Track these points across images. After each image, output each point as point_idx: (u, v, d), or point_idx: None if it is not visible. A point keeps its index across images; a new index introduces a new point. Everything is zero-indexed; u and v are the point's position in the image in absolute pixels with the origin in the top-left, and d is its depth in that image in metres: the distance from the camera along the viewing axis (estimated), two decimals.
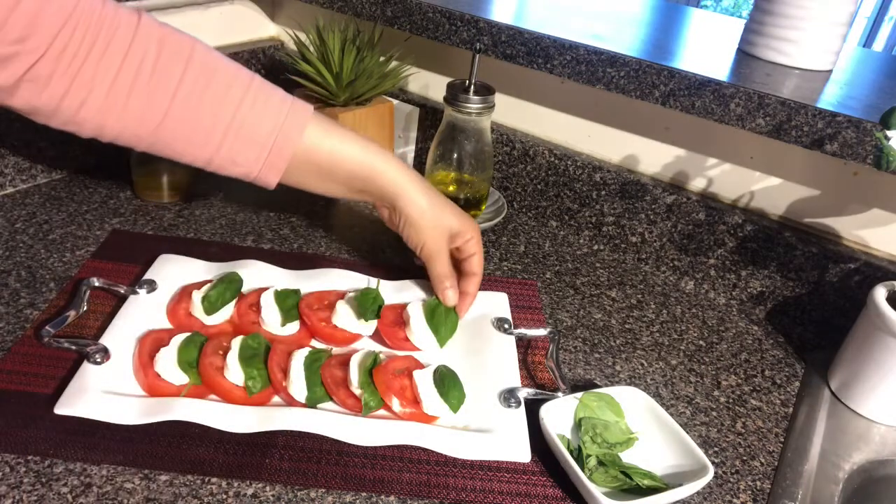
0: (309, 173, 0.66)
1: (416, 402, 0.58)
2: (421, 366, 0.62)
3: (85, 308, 0.64)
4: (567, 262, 0.86)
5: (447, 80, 0.93)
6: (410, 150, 1.02)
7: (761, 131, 0.72)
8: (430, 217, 0.66)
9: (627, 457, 0.58)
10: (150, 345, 0.60)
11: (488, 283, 0.78)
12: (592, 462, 0.56)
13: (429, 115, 0.99)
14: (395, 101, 0.98)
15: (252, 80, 0.62)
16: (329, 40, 0.88)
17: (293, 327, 0.66)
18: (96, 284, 0.67)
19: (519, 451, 0.56)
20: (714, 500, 0.57)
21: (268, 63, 1.11)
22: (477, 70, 0.80)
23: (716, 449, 0.62)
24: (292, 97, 0.64)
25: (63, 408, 0.53)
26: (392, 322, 0.67)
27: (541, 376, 0.66)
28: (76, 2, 0.54)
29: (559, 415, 0.58)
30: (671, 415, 0.59)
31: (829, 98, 0.73)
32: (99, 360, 0.58)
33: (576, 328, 0.74)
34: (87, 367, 0.57)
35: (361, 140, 0.66)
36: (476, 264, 0.69)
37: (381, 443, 0.55)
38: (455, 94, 0.81)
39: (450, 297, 0.69)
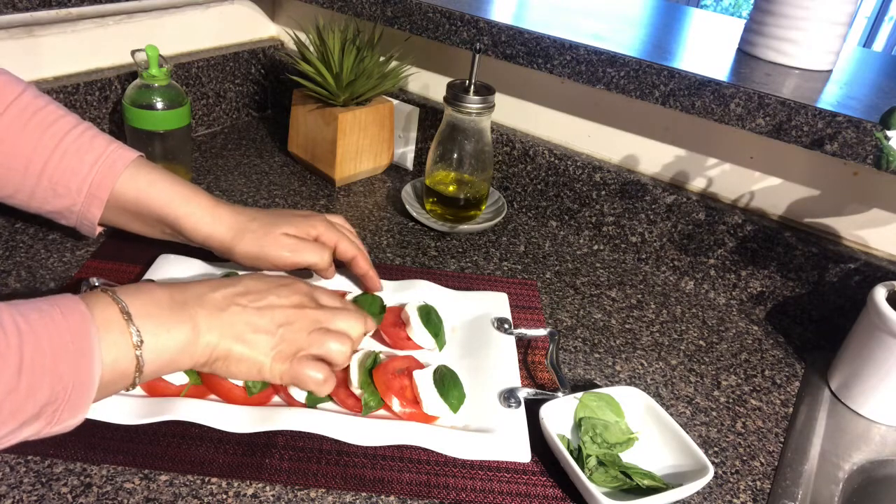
0: (121, 214, 0.66)
1: (416, 402, 0.58)
2: (421, 366, 0.62)
3: None
4: (567, 262, 0.86)
5: (447, 80, 0.93)
6: (410, 150, 1.02)
7: (761, 131, 0.72)
8: (252, 247, 0.65)
9: (627, 457, 0.58)
10: None
11: (488, 283, 0.78)
12: (592, 462, 0.56)
13: (429, 115, 0.99)
14: (395, 101, 0.98)
15: (80, 123, 0.65)
16: (329, 40, 0.88)
17: None
18: (96, 284, 0.67)
19: (519, 451, 0.56)
20: (714, 500, 0.57)
21: (268, 63, 1.11)
22: (477, 70, 0.80)
23: (716, 449, 0.62)
24: (121, 143, 0.66)
25: None
26: (392, 322, 0.67)
27: (541, 376, 0.66)
28: None
29: (559, 415, 0.58)
30: (671, 415, 0.59)
31: (829, 98, 0.73)
32: None
33: (576, 328, 0.74)
34: None
35: (174, 185, 0.65)
36: (344, 252, 0.69)
37: (381, 443, 0.55)
38: (455, 94, 0.81)
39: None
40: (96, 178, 0.64)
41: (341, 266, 0.75)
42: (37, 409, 0.43)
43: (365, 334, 0.58)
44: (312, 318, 0.55)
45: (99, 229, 0.68)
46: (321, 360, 0.54)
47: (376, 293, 0.70)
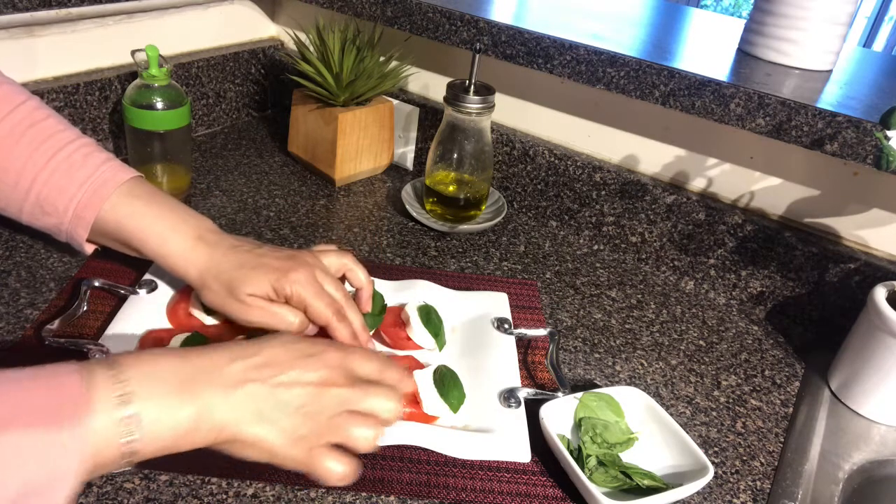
0: (105, 238, 0.63)
1: (416, 402, 0.58)
2: (421, 366, 0.62)
3: (85, 308, 0.64)
4: (567, 262, 0.86)
5: (447, 80, 0.93)
6: (410, 150, 1.02)
7: (761, 131, 0.72)
8: (216, 301, 0.59)
9: (627, 457, 0.58)
10: (150, 345, 0.60)
11: (488, 283, 0.78)
12: (592, 462, 0.56)
13: (429, 115, 0.99)
14: (395, 101, 0.98)
15: (79, 138, 0.63)
16: (329, 40, 0.88)
17: None
18: (96, 284, 0.67)
19: (519, 451, 0.56)
20: (714, 500, 0.57)
21: (268, 63, 1.11)
22: (477, 70, 0.80)
23: (716, 449, 0.62)
24: (119, 161, 0.63)
25: None
26: (392, 322, 0.67)
27: (541, 376, 0.66)
28: None
29: (559, 415, 0.58)
30: (671, 415, 0.59)
31: (829, 98, 0.73)
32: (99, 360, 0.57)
33: (576, 328, 0.74)
34: None
35: (156, 220, 0.61)
36: (316, 317, 0.59)
37: (381, 443, 0.55)
38: (455, 94, 0.81)
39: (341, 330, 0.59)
40: (83, 199, 0.61)
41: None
42: None
43: (400, 410, 0.51)
44: (339, 398, 0.48)
45: (91, 247, 0.65)
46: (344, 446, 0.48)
47: (377, 293, 0.70)
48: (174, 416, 0.43)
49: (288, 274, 0.58)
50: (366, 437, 0.48)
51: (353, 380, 0.49)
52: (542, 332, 0.69)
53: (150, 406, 0.42)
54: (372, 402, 0.49)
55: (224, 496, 0.50)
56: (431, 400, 0.58)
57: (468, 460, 0.55)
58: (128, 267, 0.71)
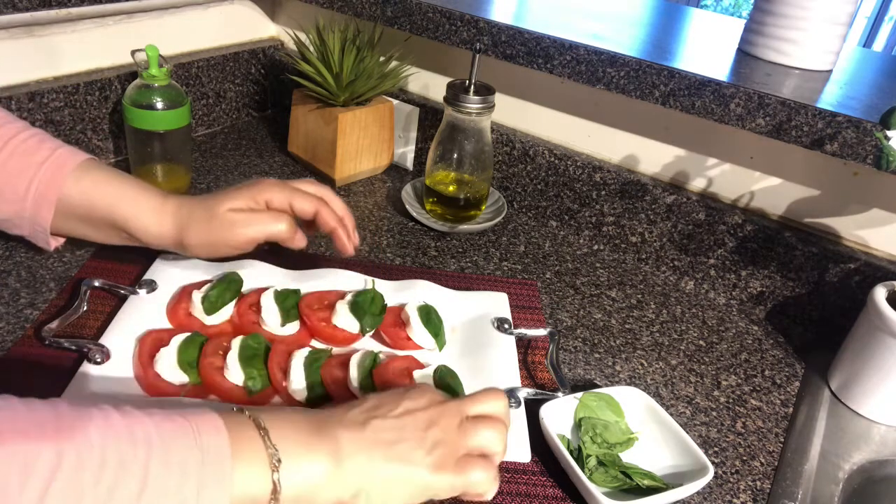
0: (71, 219, 0.63)
1: None
2: (421, 366, 0.62)
3: (85, 308, 0.64)
4: (567, 262, 0.86)
5: (447, 80, 0.93)
6: (410, 150, 1.02)
7: (761, 131, 0.72)
8: (201, 234, 0.61)
9: (627, 457, 0.58)
10: (150, 345, 0.60)
11: (488, 283, 0.78)
12: (592, 462, 0.56)
13: (429, 115, 0.99)
14: (395, 101, 0.98)
15: (28, 128, 0.63)
16: (329, 40, 0.88)
17: (293, 327, 0.66)
18: (96, 284, 0.67)
19: (519, 451, 0.56)
20: (714, 500, 0.57)
21: (268, 63, 1.11)
22: (477, 70, 0.80)
23: (716, 449, 0.62)
24: (70, 147, 0.63)
25: None
26: (392, 322, 0.67)
27: (541, 376, 0.66)
28: None
29: (559, 415, 0.58)
30: (671, 415, 0.59)
31: (829, 98, 0.73)
32: (99, 360, 0.58)
33: (576, 328, 0.74)
34: (87, 367, 0.57)
35: (121, 186, 0.62)
36: (302, 210, 0.62)
37: None
38: (455, 94, 0.81)
39: (297, 241, 0.63)
40: (44, 177, 0.61)
41: (345, 267, 0.75)
42: None
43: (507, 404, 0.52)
44: (454, 409, 0.49)
45: (55, 243, 0.65)
46: (480, 454, 0.48)
47: (377, 292, 0.70)
48: (313, 455, 0.43)
49: (261, 184, 0.62)
50: (496, 437, 0.48)
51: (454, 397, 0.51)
52: (542, 332, 0.69)
53: (288, 444, 0.42)
54: (483, 405, 0.50)
55: None
56: None
57: None
58: (128, 267, 0.71)
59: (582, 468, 0.54)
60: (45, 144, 0.62)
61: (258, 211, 0.61)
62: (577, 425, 0.59)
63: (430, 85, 1.02)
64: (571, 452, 0.55)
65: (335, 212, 0.65)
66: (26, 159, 0.61)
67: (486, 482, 0.46)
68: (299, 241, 0.63)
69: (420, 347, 0.65)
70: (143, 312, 0.64)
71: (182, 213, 0.61)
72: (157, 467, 0.37)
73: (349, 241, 0.66)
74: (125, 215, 0.61)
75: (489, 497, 0.47)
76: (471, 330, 0.69)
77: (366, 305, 0.66)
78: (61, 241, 0.67)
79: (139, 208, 0.61)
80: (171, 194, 0.64)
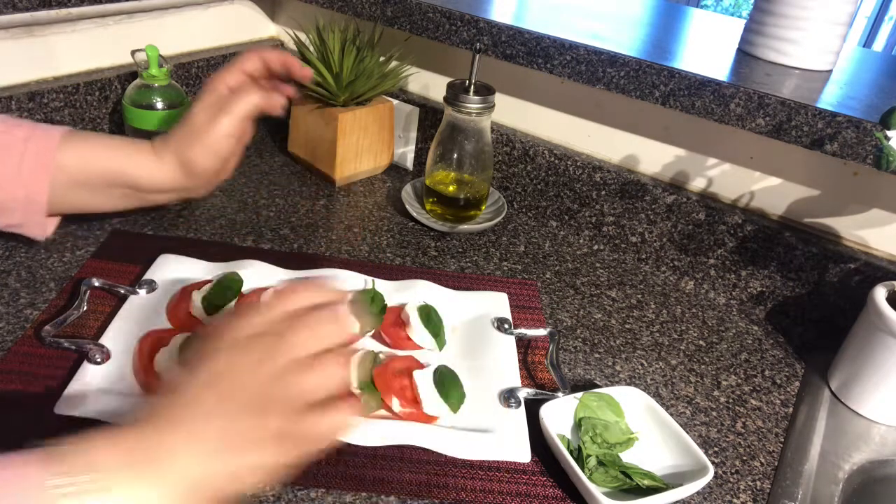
0: (69, 188, 0.64)
1: (416, 402, 0.58)
2: (421, 366, 0.62)
3: (85, 308, 0.64)
4: (567, 262, 0.86)
5: (447, 80, 0.93)
6: (410, 150, 1.02)
7: (761, 131, 0.72)
8: (199, 151, 0.65)
9: (627, 457, 0.58)
10: (150, 345, 0.60)
11: (488, 283, 0.78)
12: (592, 462, 0.56)
13: (429, 115, 0.99)
14: (395, 101, 0.98)
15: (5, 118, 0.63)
16: (329, 40, 0.88)
17: None
18: (96, 284, 0.67)
19: (519, 451, 0.56)
20: (714, 500, 0.57)
21: None
22: (477, 70, 0.80)
23: (716, 449, 0.62)
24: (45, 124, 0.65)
25: (63, 408, 0.53)
26: (392, 322, 0.67)
27: (541, 376, 0.66)
28: None
29: (559, 415, 0.58)
30: (671, 415, 0.59)
31: (829, 98, 0.73)
32: (99, 360, 0.58)
33: (576, 328, 0.74)
34: (87, 367, 0.57)
35: (113, 143, 0.65)
36: (257, 68, 0.68)
37: (381, 443, 0.55)
38: (455, 94, 0.81)
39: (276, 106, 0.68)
40: (33, 149, 0.61)
41: (345, 267, 0.75)
42: None
43: (354, 333, 0.47)
44: (277, 370, 0.42)
45: (50, 226, 0.64)
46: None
47: (377, 292, 0.70)
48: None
49: (211, 79, 0.66)
50: (329, 375, 0.43)
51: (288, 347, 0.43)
52: (542, 332, 0.69)
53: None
54: (308, 342, 0.43)
55: None
56: (431, 400, 0.58)
57: (468, 460, 0.55)
58: (128, 267, 0.71)
59: (582, 468, 0.54)
60: (21, 123, 0.63)
61: (225, 95, 0.66)
62: (577, 425, 0.59)
63: (430, 85, 1.02)
64: (571, 452, 0.55)
65: (274, 54, 0.68)
66: (6, 137, 0.61)
67: (338, 430, 0.42)
68: (277, 102, 0.68)
69: (420, 347, 0.65)
70: (143, 312, 0.64)
71: (173, 145, 0.65)
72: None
73: (301, 69, 0.70)
74: (125, 168, 0.63)
75: (352, 429, 0.43)
76: (471, 330, 0.69)
77: (366, 305, 0.66)
78: (54, 224, 0.67)
79: (137, 157, 0.63)
80: (154, 140, 0.67)
